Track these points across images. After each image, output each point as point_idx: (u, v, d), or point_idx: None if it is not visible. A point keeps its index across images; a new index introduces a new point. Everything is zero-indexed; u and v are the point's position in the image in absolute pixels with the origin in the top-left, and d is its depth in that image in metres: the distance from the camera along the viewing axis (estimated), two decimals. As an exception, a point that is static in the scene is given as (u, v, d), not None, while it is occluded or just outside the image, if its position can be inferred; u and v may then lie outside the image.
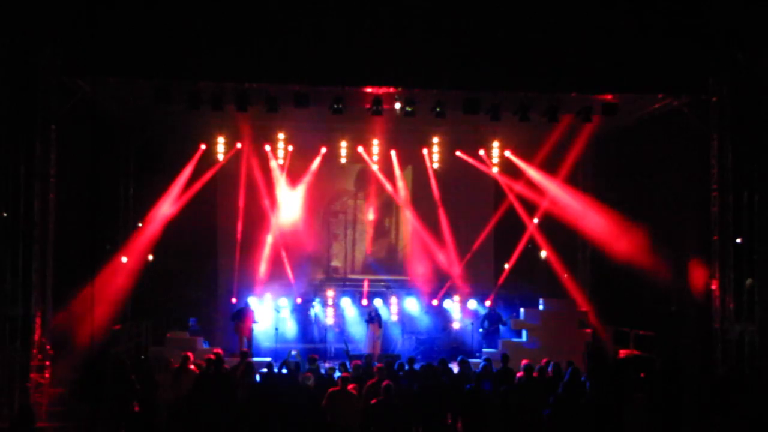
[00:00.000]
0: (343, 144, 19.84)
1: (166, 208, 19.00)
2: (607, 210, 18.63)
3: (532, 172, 19.62)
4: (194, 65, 14.26)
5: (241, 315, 18.18)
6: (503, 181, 20.19)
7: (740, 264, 14.43)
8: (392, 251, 21.13)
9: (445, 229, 20.46)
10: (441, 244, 20.44)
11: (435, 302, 20.05)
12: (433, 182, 20.39)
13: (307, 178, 20.23)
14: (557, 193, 19.56)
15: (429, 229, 20.55)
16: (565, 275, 20.24)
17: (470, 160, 20.13)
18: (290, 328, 19.55)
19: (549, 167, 19.50)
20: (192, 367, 12.57)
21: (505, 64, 14.41)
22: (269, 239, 20.09)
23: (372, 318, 18.64)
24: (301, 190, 20.28)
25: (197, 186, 19.44)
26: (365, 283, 20.11)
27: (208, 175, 19.63)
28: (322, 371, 12.90)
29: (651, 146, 17.03)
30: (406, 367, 12.44)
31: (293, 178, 20.23)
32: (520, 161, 19.73)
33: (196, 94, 15.36)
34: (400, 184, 20.59)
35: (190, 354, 13.04)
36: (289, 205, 20.31)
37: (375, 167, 20.20)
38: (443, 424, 11.06)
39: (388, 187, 20.53)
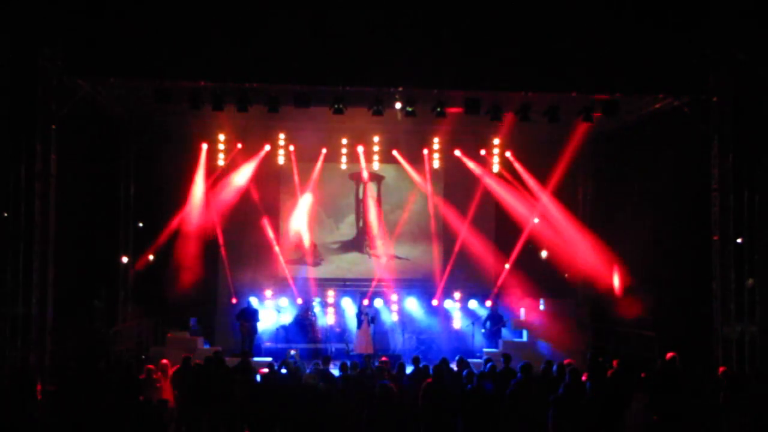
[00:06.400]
0: (344, 143, 19.87)
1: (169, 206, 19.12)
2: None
3: (528, 174, 19.71)
4: (194, 65, 14.27)
5: (245, 314, 18.18)
6: (504, 181, 20.21)
7: (740, 264, 14.42)
8: (394, 252, 21.09)
9: (444, 229, 20.50)
10: (442, 244, 20.51)
11: (435, 302, 20.05)
12: (434, 182, 20.44)
13: (308, 179, 20.28)
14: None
15: (430, 228, 20.59)
16: (566, 275, 20.24)
17: (470, 161, 20.18)
18: (290, 328, 19.54)
19: (545, 166, 19.56)
20: (192, 366, 12.53)
21: (506, 64, 14.41)
22: (270, 239, 20.14)
23: (361, 318, 18.59)
24: (301, 190, 20.34)
25: (198, 185, 19.49)
26: (372, 283, 20.16)
27: (208, 175, 19.66)
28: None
29: (651, 146, 17.03)
30: (413, 367, 12.42)
31: (294, 178, 20.27)
32: (518, 163, 19.80)
33: (197, 94, 15.37)
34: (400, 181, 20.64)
35: (190, 355, 13.02)
36: (290, 205, 20.38)
37: (376, 167, 20.25)
38: (447, 425, 11.04)
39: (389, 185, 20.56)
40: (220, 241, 19.98)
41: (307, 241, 20.41)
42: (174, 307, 18.84)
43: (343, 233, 21.00)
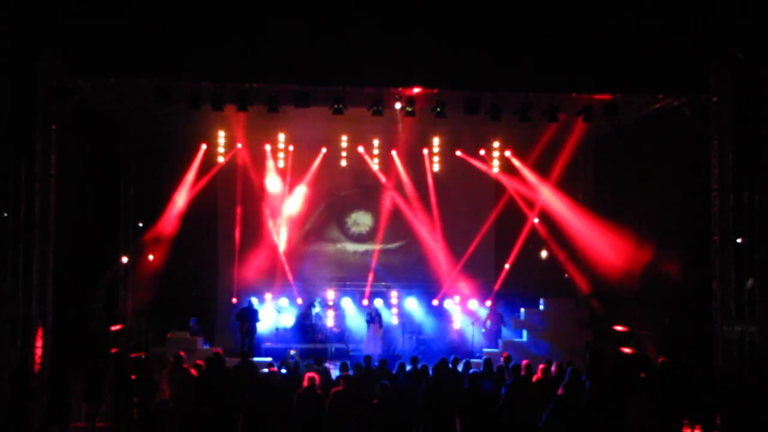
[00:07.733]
0: (344, 144, 19.87)
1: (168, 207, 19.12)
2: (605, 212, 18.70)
3: (528, 174, 19.71)
4: (194, 65, 14.26)
5: (245, 314, 18.17)
6: (504, 180, 20.22)
7: (740, 264, 14.42)
8: (394, 252, 21.08)
9: (444, 229, 20.50)
10: (441, 244, 20.51)
11: (435, 302, 20.06)
12: (433, 182, 20.45)
13: (307, 179, 20.29)
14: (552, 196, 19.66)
15: (429, 229, 20.59)
16: (566, 275, 20.24)
17: (471, 160, 20.18)
18: (290, 328, 19.55)
19: (545, 167, 19.55)
20: (186, 366, 12.51)
21: (506, 64, 14.41)
22: (271, 238, 20.14)
23: (372, 318, 18.68)
24: (301, 190, 20.34)
25: (198, 185, 19.50)
26: (368, 282, 20.15)
27: (208, 175, 19.67)
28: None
29: (651, 146, 17.03)
30: (410, 367, 12.43)
31: (294, 179, 20.27)
32: (519, 162, 19.81)
33: (196, 94, 15.36)
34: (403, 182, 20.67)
35: (182, 353, 12.95)
36: (290, 205, 20.39)
37: (375, 167, 20.25)
38: (447, 425, 11.04)
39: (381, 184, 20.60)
40: (220, 239, 19.96)
41: (303, 240, 20.44)
42: (174, 306, 18.85)
43: (344, 233, 21.01)
